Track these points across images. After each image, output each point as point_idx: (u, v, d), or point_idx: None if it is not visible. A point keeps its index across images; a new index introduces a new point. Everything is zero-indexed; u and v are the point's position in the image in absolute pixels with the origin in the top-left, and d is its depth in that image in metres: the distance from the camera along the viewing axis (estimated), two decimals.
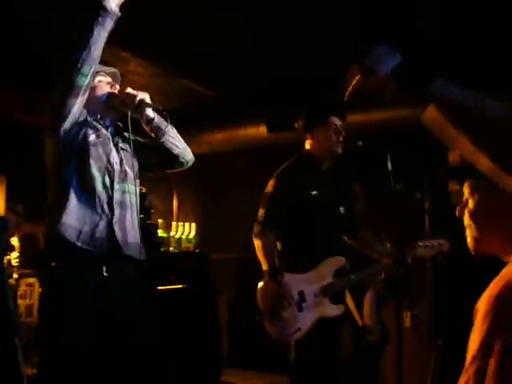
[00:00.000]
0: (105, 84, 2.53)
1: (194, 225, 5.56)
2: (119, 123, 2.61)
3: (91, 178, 2.36)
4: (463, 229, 1.45)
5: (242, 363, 5.30)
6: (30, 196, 4.65)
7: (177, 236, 5.42)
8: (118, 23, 3.76)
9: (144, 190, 4.85)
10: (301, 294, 2.98)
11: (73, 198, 2.33)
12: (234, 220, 5.77)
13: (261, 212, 3.11)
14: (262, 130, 5.30)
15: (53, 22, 3.69)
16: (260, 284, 3.03)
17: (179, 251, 5.27)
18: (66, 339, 2.23)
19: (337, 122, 3.16)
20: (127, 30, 3.84)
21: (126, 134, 2.56)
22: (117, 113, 2.54)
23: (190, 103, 5.35)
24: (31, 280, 4.64)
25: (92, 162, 2.38)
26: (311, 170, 3.18)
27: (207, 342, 4.87)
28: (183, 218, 6.13)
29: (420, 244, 3.12)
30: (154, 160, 2.61)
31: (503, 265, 1.31)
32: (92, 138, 2.41)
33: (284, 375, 3.23)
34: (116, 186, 2.42)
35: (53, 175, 2.47)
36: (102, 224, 2.36)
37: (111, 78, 2.59)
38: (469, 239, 1.38)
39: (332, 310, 3.01)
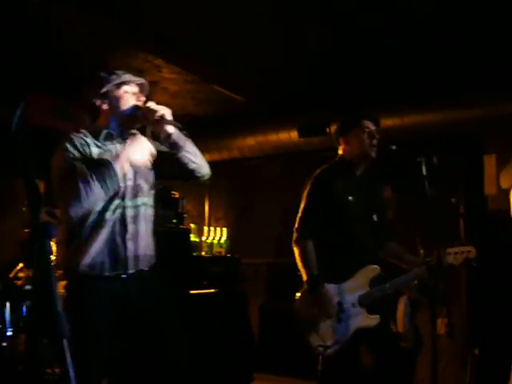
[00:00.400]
0: (130, 95, 2.52)
1: (225, 229, 5.59)
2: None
3: (98, 211, 2.36)
4: (498, 234, 1.43)
5: (272, 368, 5.30)
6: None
7: (208, 241, 5.46)
8: (152, 31, 3.83)
9: (177, 195, 4.89)
10: (339, 304, 2.95)
11: (85, 235, 2.36)
12: (264, 225, 5.78)
13: (298, 219, 3.09)
14: (294, 134, 5.30)
15: (87, 35, 3.76)
16: (299, 293, 3.00)
17: (211, 256, 5.30)
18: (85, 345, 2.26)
19: (370, 125, 3.14)
20: (160, 38, 3.91)
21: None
22: (137, 125, 2.55)
23: (222, 109, 5.39)
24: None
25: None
26: (346, 175, 3.15)
27: (239, 346, 4.88)
28: (215, 222, 6.17)
29: (449, 251, 3.10)
30: (170, 171, 2.60)
31: None
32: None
33: (314, 381, 3.21)
34: (128, 203, 2.43)
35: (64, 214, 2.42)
36: (119, 246, 2.39)
37: (139, 88, 2.58)
38: None
39: (369, 321, 2.98)
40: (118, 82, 2.49)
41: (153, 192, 2.57)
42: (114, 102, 2.47)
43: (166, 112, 2.44)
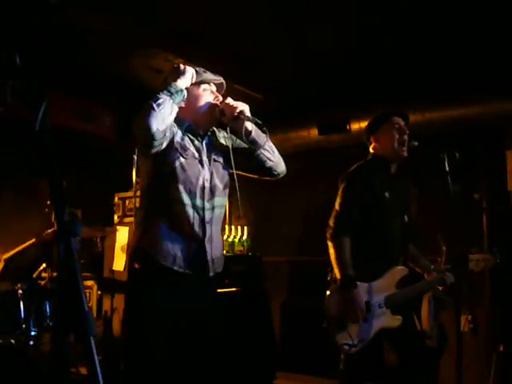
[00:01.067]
0: (209, 93, 2.51)
1: (246, 228, 5.59)
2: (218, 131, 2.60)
3: (180, 203, 2.36)
4: None
5: (294, 366, 5.29)
6: (87, 201, 4.79)
7: (230, 239, 5.46)
8: (172, 30, 3.84)
9: None
10: (367, 303, 2.93)
11: (165, 222, 2.36)
12: (285, 223, 5.78)
13: (334, 215, 3.02)
14: (313, 132, 5.29)
15: (108, 34, 3.79)
16: (330, 291, 2.98)
17: (232, 254, 5.31)
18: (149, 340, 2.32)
19: (400, 121, 3.11)
20: (180, 37, 3.92)
21: (223, 141, 2.56)
22: (215, 123, 2.53)
23: None
24: (89, 283, 4.78)
25: (180, 187, 2.37)
26: (381, 172, 3.10)
27: (261, 344, 4.88)
28: (235, 221, 6.18)
29: (472, 258, 3.11)
30: (247, 166, 2.56)
31: None
32: (178, 162, 2.38)
33: (335, 379, 3.20)
34: (206, 205, 2.42)
35: (144, 195, 2.50)
36: (195, 246, 2.38)
37: (217, 87, 2.56)
38: None
39: (393, 321, 2.97)
40: (198, 80, 2.47)
41: (227, 191, 2.56)
42: (193, 100, 2.46)
43: (245, 108, 2.42)
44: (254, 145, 2.45)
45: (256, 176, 2.64)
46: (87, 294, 4.73)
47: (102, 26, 3.70)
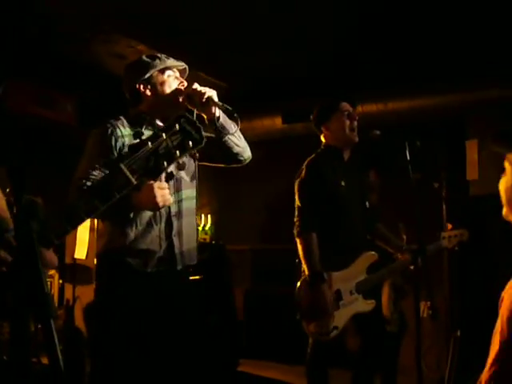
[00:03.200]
0: (173, 79, 2.44)
1: (210, 216, 5.59)
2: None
3: None
4: (480, 218, 1.45)
5: (258, 353, 5.33)
6: (48, 188, 4.70)
7: None
8: (135, 16, 3.79)
9: None
10: (338, 292, 2.98)
11: (131, 223, 2.31)
12: (249, 211, 5.79)
13: (297, 211, 3.06)
14: (278, 121, 5.30)
15: (69, 18, 3.72)
16: (299, 284, 3.00)
17: None
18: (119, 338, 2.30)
19: (348, 107, 3.14)
20: (143, 23, 3.88)
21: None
22: (181, 110, 2.36)
23: None
24: (51, 271, 4.70)
25: None
26: (335, 161, 3.14)
27: (224, 332, 4.90)
28: (199, 209, 6.16)
29: (444, 235, 3.15)
30: (211, 154, 2.47)
31: None
32: None
33: (301, 365, 3.24)
34: (177, 197, 2.39)
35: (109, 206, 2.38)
36: (164, 242, 2.36)
37: (180, 73, 2.49)
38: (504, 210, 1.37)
39: (365, 306, 3.03)
40: (162, 66, 2.41)
41: (195, 182, 2.51)
42: (158, 86, 2.39)
43: (213, 94, 2.33)
44: (221, 131, 2.38)
45: (222, 164, 2.60)
46: (48, 283, 4.66)
47: (62, 9, 3.63)
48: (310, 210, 3.03)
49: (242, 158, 2.54)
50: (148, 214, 2.31)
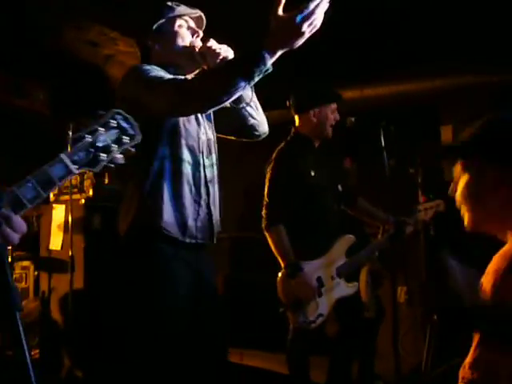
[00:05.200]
0: (186, 31, 2.15)
1: None
2: None
3: (183, 162, 2.07)
4: (454, 202, 1.45)
5: (239, 341, 5.33)
6: (21, 177, 4.63)
7: None
8: (106, 3, 3.72)
9: None
10: (319, 279, 2.97)
11: (168, 188, 2.04)
12: (226, 199, 5.76)
13: (265, 205, 3.03)
14: None
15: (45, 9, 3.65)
16: (279, 276, 2.98)
17: None
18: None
19: (334, 105, 3.13)
20: (115, 10, 3.81)
21: None
22: (195, 66, 2.13)
23: None
24: (26, 263, 4.65)
25: (183, 142, 2.08)
26: (305, 150, 3.14)
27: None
28: None
29: (420, 208, 3.16)
30: (225, 123, 2.24)
31: (496, 240, 1.32)
32: None
33: (282, 353, 3.25)
34: (206, 162, 2.15)
35: (137, 161, 2.01)
36: (202, 211, 2.11)
37: (195, 22, 2.20)
38: (464, 218, 1.38)
39: (348, 289, 3.05)
40: (171, 15, 2.13)
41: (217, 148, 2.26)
42: (168, 40, 2.12)
43: (229, 54, 2.08)
44: (236, 99, 2.05)
45: (232, 137, 2.35)
46: (23, 275, 4.60)
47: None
48: (277, 202, 3.00)
49: (256, 133, 2.29)
50: (185, 176, 2.07)
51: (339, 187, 3.20)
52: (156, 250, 2.05)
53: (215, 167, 2.22)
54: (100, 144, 1.28)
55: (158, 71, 2.02)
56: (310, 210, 3.05)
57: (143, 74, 2.00)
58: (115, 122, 1.31)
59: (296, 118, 3.19)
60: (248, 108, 2.17)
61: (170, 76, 2.02)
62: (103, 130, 1.28)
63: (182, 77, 2.04)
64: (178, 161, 2.07)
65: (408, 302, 3.83)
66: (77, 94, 5.00)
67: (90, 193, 4.38)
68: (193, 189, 2.09)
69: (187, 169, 2.08)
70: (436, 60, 4.43)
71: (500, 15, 3.81)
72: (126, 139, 1.33)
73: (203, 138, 2.16)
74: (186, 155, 2.08)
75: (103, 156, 1.28)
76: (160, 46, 2.15)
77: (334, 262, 3.04)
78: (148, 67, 2.03)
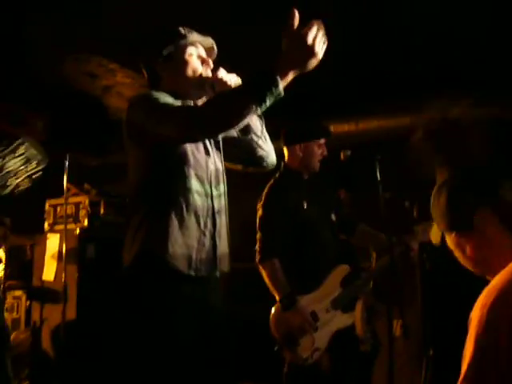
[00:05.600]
0: (196, 59, 2.11)
1: None
2: None
3: (192, 192, 2.02)
4: None
5: (235, 373, 5.25)
6: (17, 207, 4.62)
7: None
8: (106, 34, 3.77)
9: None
10: (313, 314, 2.92)
11: (175, 219, 1.98)
12: None
13: (258, 240, 3.03)
14: None
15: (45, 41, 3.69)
16: (273, 311, 2.95)
17: None
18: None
19: (322, 140, 3.16)
20: (115, 42, 3.86)
21: None
22: (204, 95, 2.12)
23: None
24: (18, 293, 4.60)
25: (191, 172, 2.04)
26: (295, 183, 3.13)
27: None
28: None
29: (417, 230, 3.15)
30: (233, 153, 2.21)
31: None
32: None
33: None
34: (214, 193, 2.11)
35: (143, 191, 2.05)
36: (207, 242, 2.07)
37: (205, 50, 2.17)
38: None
39: (345, 320, 3.00)
40: (182, 43, 2.10)
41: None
42: (177, 68, 2.09)
43: (239, 84, 2.07)
44: (244, 129, 2.11)
45: (239, 167, 2.32)
46: (15, 305, 4.55)
47: (34, 28, 3.61)
48: (270, 236, 2.99)
49: (265, 164, 2.26)
50: (193, 207, 2.02)
51: (332, 216, 3.18)
52: (160, 282, 2.00)
53: (223, 197, 2.18)
54: (8, 168, 1.28)
55: (166, 97, 2.01)
56: (304, 243, 3.04)
57: (152, 101, 1.99)
58: (23, 147, 1.32)
59: (284, 150, 3.21)
60: (257, 139, 2.17)
61: (179, 103, 2.01)
62: (12, 155, 1.29)
63: (192, 103, 2.05)
64: (185, 191, 2.02)
65: (404, 336, 3.79)
66: (74, 124, 5.03)
67: (85, 223, 4.37)
68: (200, 220, 2.05)
69: (195, 199, 2.03)
70: (429, 93, 4.48)
71: (494, 50, 3.87)
72: (33, 164, 1.35)
73: (212, 167, 2.13)
74: (195, 185, 2.04)
75: (11, 180, 1.29)
76: (169, 74, 2.13)
77: (329, 294, 3.00)
78: (157, 94, 2.01)
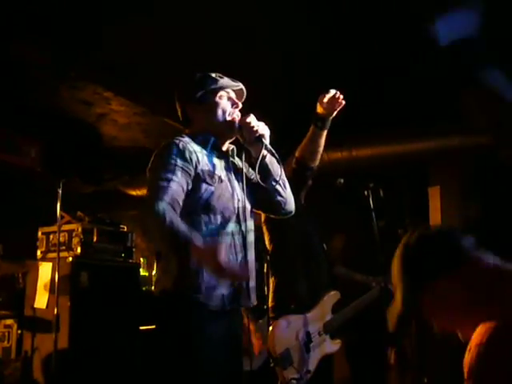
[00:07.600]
0: (226, 101, 2.21)
1: None
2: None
3: (220, 234, 2.08)
4: None
5: None
6: (9, 235, 4.59)
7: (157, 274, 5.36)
8: (100, 63, 3.81)
9: (125, 229, 4.81)
10: (308, 334, 2.96)
11: None
12: None
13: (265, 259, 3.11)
14: None
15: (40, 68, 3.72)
16: (272, 327, 2.96)
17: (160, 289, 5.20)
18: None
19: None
20: (109, 70, 3.89)
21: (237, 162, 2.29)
22: (232, 138, 2.25)
23: None
24: (9, 321, 4.54)
25: (218, 217, 2.10)
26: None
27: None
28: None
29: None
30: (253, 197, 2.27)
31: None
32: (209, 192, 2.10)
33: None
34: (243, 228, 2.16)
35: None
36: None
37: (236, 94, 2.25)
38: None
39: (332, 346, 3.04)
40: (214, 87, 2.19)
41: (252, 214, 2.29)
42: (208, 110, 2.19)
43: (266, 133, 2.18)
44: (264, 174, 2.20)
45: (260, 211, 2.41)
46: (6, 334, 4.49)
47: (29, 55, 3.63)
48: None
49: (283, 211, 2.32)
50: (224, 246, 2.01)
51: (324, 245, 3.22)
52: (191, 319, 2.05)
53: (250, 234, 2.21)
54: None
55: (171, 167, 2.05)
56: (300, 266, 3.07)
57: (158, 167, 2.07)
58: None
59: None
60: (275, 184, 2.23)
61: (168, 185, 2.01)
62: None
63: (224, 146, 2.22)
64: (216, 229, 2.09)
65: (398, 364, 3.77)
66: (68, 152, 5.04)
67: (78, 250, 4.34)
68: (231, 257, 2.09)
69: (224, 240, 2.08)
70: (424, 122, 4.53)
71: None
72: None
73: (240, 205, 2.18)
74: (224, 228, 2.10)
75: None
76: (199, 115, 2.22)
77: (322, 318, 3.04)
78: (171, 158, 2.06)
